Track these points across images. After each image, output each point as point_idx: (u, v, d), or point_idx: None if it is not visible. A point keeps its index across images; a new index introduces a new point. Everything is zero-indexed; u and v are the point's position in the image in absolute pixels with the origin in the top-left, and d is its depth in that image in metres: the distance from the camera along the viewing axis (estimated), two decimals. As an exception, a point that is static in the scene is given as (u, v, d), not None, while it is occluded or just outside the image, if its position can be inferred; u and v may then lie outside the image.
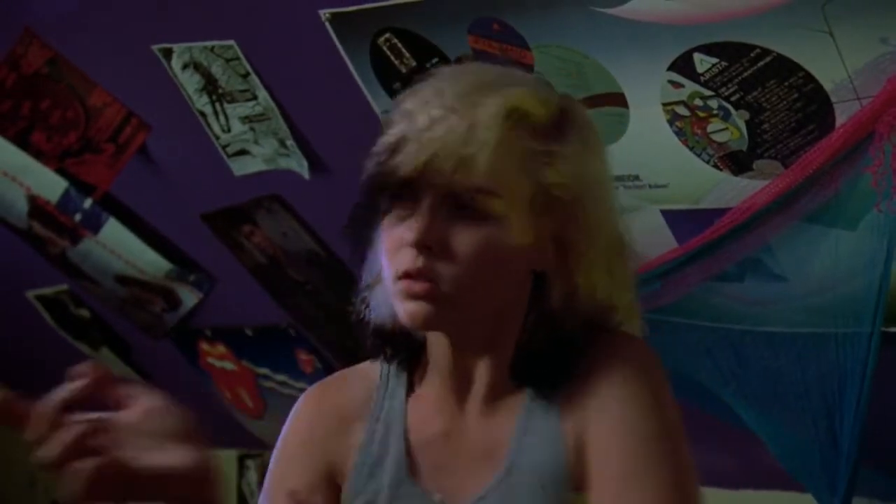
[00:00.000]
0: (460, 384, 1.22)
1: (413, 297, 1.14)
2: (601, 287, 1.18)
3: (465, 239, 1.14)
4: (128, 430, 0.88)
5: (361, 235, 1.24)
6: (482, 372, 1.21)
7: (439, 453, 1.22)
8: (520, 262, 1.17)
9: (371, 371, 1.29)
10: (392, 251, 1.16)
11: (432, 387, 1.25)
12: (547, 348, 1.18)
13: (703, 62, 1.70)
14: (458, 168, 1.12)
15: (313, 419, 1.30)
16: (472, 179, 1.12)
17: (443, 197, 1.14)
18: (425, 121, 1.13)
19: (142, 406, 0.93)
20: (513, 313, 1.19)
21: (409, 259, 1.13)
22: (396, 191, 1.15)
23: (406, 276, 1.14)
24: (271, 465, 1.29)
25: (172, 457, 0.87)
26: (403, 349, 1.26)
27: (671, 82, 1.75)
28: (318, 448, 1.28)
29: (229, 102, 2.35)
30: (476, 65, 1.26)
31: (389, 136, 1.15)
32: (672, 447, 1.15)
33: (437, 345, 1.22)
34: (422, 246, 1.13)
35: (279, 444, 1.30)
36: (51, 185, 2.70)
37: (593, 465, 1.14)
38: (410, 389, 1.26)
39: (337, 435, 1.28)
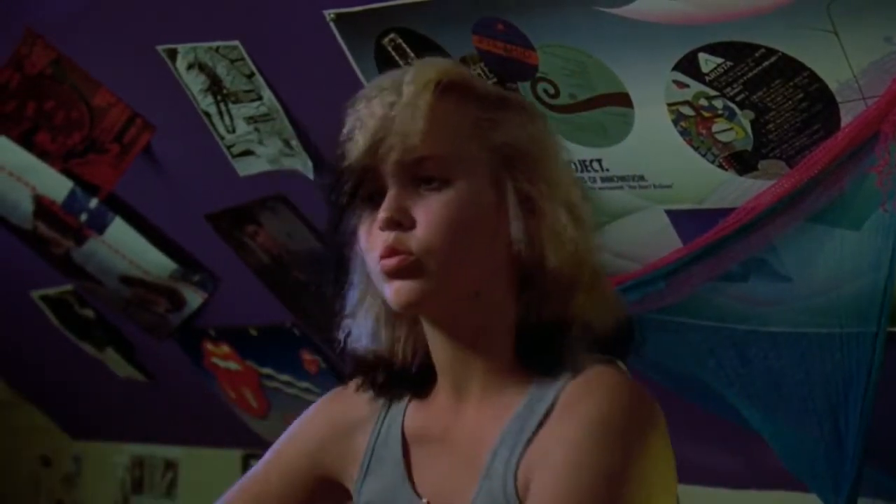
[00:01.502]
0: (457, 382, 1.22)
1: (392, 274, 1.16)
2: (569, 239, 1.18)
3: (429, 207, 1.16)
4: None
5: (340, 259, 1.27)
6: (476, 366, 1.21)
7: (434, 454, 1.23)
8: (488, 226, 1.18)
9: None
10: (369, 244, 1.19)
11: (439, 389, 1.26)
12: (543, 323, 1.18)
13: (707, 62, 1.70)
14: (402, 140, 1.16)
15: (320, 419, 1.35)
16: (418, 149, 1.16)
17: (401, 174, 1.17)
18: (365, 108, 1.20)
19: None
20: (498, 298, 1.20)
21: (382, 240, 1.16)
22: (357, 187, 1.19)
23: (382, 256, 1.16)
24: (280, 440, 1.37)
25: None
26: (389, 378, 1.27)
27: (676, 82, 1.75)
28: (316, 449, 1.33)
29: (234, 103, 2.35)
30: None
31: (342, 138, 1.21)
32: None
33: (434, 342, 1.23)
34: (390, 222, 1.16)
35: (290, 428, 1.37)
36: (56, 185, 2.71)
37: None
38: (416, 395, 1.28)
39: (342, 438, 1.31)
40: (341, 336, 1.28)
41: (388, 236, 1.16)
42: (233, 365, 3.05)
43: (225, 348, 3.02)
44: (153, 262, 2.81)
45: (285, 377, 2.96)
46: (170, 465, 3.59)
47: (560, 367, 1.18)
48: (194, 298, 2.90)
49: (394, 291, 1.17)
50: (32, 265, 3.04)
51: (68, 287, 3.13)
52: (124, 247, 2.80)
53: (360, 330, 1.27)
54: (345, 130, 1.21)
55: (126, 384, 3.39)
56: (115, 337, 3.25)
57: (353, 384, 1.32)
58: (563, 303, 1.18)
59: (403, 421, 1.27)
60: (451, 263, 1.16)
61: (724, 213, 1.83)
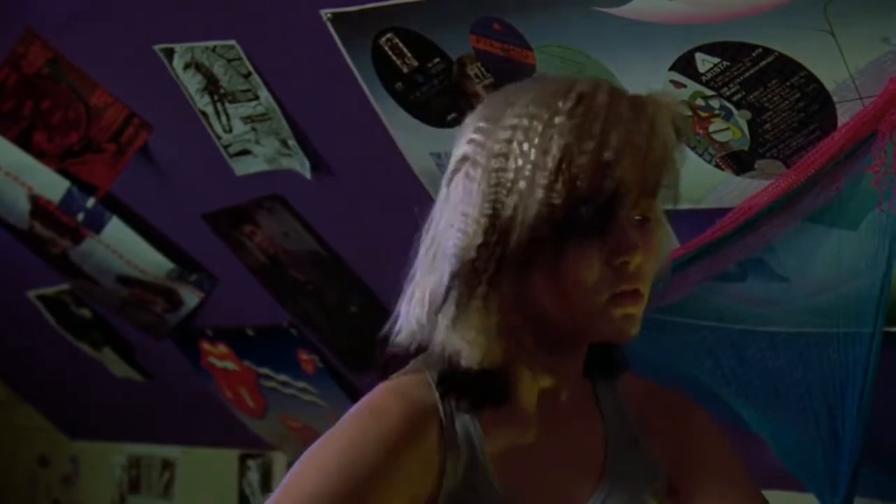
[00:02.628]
0: (554, 388, 1.25)
1: (633, 313, 1.18)
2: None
3: (655, 244, 1.19)
4: None
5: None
6: (573, 373, 1.26)
7: (529, 466, 1.22)
8: None
9: (425, 395, 1.22)
10: (595, 272, 1.15)
11: (513, 401, 1.23)
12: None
13: (704, 62, 1.70)
14: (666, 181, 1.17)
15: (396, 444, 1.19)
16: (661, 185, 1.17)
17: (637, 209, 1.17)
18: (628, 136, 1.13)
19: None
20: None
21: (628, 276, 1.16)
22: (599, 210, 1.14)
23: (633, 295, 1.17)
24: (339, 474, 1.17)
25: None
26: (476, 389, 1.22)
27: (673, 82, 1.75)
28: (401, 475, 1.19)
29: (231, 102, 2.35)
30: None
31: (584, 156, 1.12)
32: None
33: (557, 354, 1.23)
34: (639, 262, 1.16)
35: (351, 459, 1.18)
36: (53, 185, 2.70)
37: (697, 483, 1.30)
38: (478, 410, 1.22)
39: (417, 462, 1.19)
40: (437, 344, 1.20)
41: (635, 274, 1.16)
42: (230, 365, 3.05)
43: (222, 348, 3.02)
44: (150, 261, 2.81)
45: (282, 377, 2.96)
46: (167, 465, 3.59)
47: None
48: (191, 298, 2.90)
49: (627, 328, 1.19)
50: (29, 265, 3.04)
51: (65, 287, 3.13)
52: (121, 246, 2.80)
53: (479, 341, 1.18)
54: (606, 154, 1.12)
55: (123, 384, 3.39)
56: (112, 337, 3.25)
57: (391, 400, 1.21)
58: None
59: (483, 438, 1.21)
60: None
61: (721, 213, 1.83)
